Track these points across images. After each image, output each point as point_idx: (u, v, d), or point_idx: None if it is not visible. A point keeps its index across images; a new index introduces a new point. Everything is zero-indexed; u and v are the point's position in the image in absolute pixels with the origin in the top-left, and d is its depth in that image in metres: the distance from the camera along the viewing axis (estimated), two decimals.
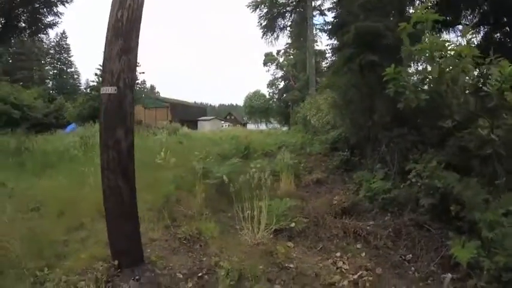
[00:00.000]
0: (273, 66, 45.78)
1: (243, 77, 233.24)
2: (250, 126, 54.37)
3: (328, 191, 6.79)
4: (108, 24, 3.31)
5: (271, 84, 48.42)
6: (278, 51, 43.92)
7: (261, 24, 22.44)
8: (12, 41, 18.39)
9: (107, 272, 3.33)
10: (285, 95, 40.09)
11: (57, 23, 15.46)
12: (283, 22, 22.69)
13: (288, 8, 21.55)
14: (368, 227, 4.51)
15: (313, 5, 20.29)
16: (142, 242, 4.04)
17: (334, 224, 4.69)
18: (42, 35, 20.16)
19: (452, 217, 3.79)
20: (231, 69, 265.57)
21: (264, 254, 4.08)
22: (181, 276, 3.57)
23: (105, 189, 3.38)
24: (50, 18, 15.34)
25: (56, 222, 4.78)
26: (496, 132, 3.67)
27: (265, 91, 52.69)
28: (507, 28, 8.25)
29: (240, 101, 67.03)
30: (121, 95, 3.24)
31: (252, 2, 22.20)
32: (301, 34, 26.06)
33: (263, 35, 22.75)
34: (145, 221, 4.83)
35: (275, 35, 22.73)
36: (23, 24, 15.28)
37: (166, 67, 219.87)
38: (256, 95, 55.48)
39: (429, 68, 3.81)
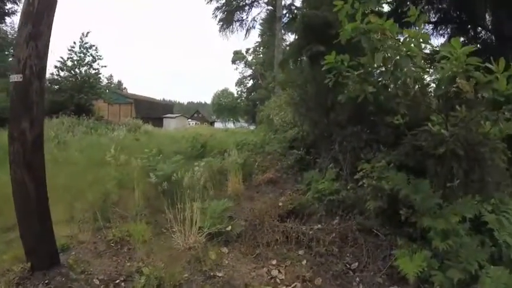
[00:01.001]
0: (242, 65, 45.59)
1: (213, 74, 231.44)
2: (218, 125, 53.81)
3: (278, 191, 6.38)
4: (22, 10, 3.20)
5: (239, 82, 48.30)
6: (247, 50, 43.80)
7: (216, 16, 21.51)
8: None
9: (21, 275, 3.17)
10: (253, 94, 39.83)
11: (16, 11, 14.46)
12: (241, 16, 21.88)
13: (247, 1, 20.81)
14: (311, 232, 4.08)
15: (283, 3, 19.81)
16: (70, 244, 4.07)
17: (275, 228, 4.25)
18: (1, 24, 19.01)
19: (402, 222, 3.44)
20: (201, 66, 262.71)
21: (193, 260, 3.77)
22: (97, 282, 3.31)
23: (12, 184, 3.23)
24: (8, 6, 14.38)
25: None
26: (452, 130, 3.31)
27: (234, 89, 52.45)
28: (471, 32, 8.14)
29: (209, 99, 66.34)
30: (26, 83, 3.08)
31: None
32: (271, 32, 25.60)
33: (220, 28, 21.83)
34: (78, 222, 4.67)
35: (231, 28, 21.90)
36: None
37: (135, 63, 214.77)
38: (225, 93, 55.13)
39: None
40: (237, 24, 21.69)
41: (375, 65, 3.03)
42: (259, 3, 21.41)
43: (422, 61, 3.21)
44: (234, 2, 20.13)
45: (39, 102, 3.17)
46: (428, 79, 3.68)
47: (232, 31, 22.12)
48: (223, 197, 6.14)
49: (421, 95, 3.55)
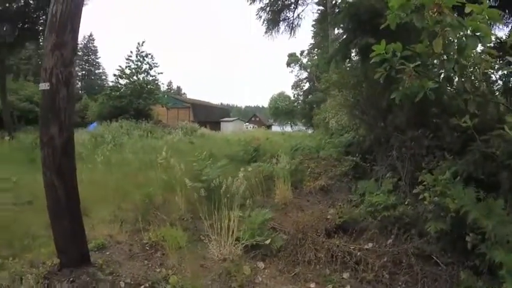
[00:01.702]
0: (297, 67, 45.15)
1: (270, 78, 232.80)
2: (275, 128, 53.77)
3: (329, 201, 5.90)
4: (47, 21, 3.31)
5: (295, 85, 47.93)
6: (302, 52, 43.27)
7: (260, 17, 19.87)
8: (41, 43, 18.93)
9: (50, 269, 3.24)
10: (309, 97, 39.11)
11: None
12: (287, 15, 20.25)
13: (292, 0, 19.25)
14: (360, 252, 3.55)
15: (333, 1, 18.56)
16: (107, 244, 4.13)
17: (320, 245, 3.78)
18: None
19: (468, 250, 2.81)
20: (258, 70, 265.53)
21: (224, 273, 3.51)
22: (123, 285, 3.24)
23: (44, 186, 3.33)
24: None
25: (41, 216, 4.60)
26: None
27: (290, 93, 52.17)
28: None
29: (266, 103, 66.65)
30: (53, 90, 3.17)
31: None
32: (324, 33, 24.59)
33: (266, 29, 20.25)
34: (118, 222, 4.74)
35: (277, 28, 20.33)
36: (40, 28, 15.75)
37: (195, 69, 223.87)
38: (281, 96, 55.05)
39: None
40: (284, 24, 20.35)
41: (435, 53, 2.43)
42: (304, 0, 19.85)
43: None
44: (280, 2, 18.82)
45: (67, 108, 3.22)
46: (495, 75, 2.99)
47: (278, 31, 20.74)
48: (269, 204, 5.86)
49: (489, 93, 2.88)
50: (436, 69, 2.90)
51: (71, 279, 3.16)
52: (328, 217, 4.54)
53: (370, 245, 3.78)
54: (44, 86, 3.16)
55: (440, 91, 2.88)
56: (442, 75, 2.80)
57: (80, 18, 3.35)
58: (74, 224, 3.36)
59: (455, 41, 2.35)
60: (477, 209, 2.64)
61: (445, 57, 2.49)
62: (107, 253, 3.89)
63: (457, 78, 2.75)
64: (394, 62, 2.71)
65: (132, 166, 8.28)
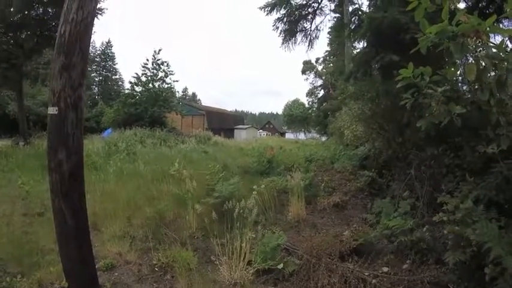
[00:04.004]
0: (312, 75, 45.08)
1: (286, 85, 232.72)
2: (289, 136, 53.54)
3: (344, 219, 5.73)
4: (55, 42, 3.16)
5: (310, 93, 47.81)
6: (317, 59, 43.24)
7: (277, 27, 18.94)
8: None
9: None
10: (324, 104, 38.85)
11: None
12: (304, 26, 19.83)
13: (309, 10, 18.81)
14: (375, 280, 3.37)
15: (350, 9, 18.25)
16: (116, 263, 4.03)
17: (333, 270, 3.62)
18: None
19: (486, 282, 2.63)
20: (275, 76, 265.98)
21: None
22: None
23: (53, 210, 3.23)
24: None
25: (51, 229, 4.73)
26: None
27: (305, 100, 52.03)
28: None
29: (280, 110, 66.70)
30: (61, 115, 3.04)
31: (267, 3, 18.42)
32: (340, 41, 24.24)
33: (283, 40, 19.86)
34: (128, 238, 4.64)
35: (294, 39, 19.94)
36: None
37: (211, 75, 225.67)
38: (296, 103, 54.96)
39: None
40: (301, 34, 19.98)
41: (467, 79, 2.24)
42: (322, 10, 19.50)
43: None
44: (297, 12, 18.38)
45: (75, 134, 3.10)
46: None
47: (295, 42, 20.33)
48: (282, 222, 5.71)
49: None
50: (467, 97, 2.73)
51: None
52: (343, 239, 4.37)
53: (385, 269, 3.64)
54: (52, 110, 3.03)
55: (468, 116, 2.69)
56: (473, 103, 2.62)
57: (90, 39, 3.25)
58: (81, 249, 3.26)
59: (492, 69, 2.14)
60: (501, 246, 2.45)
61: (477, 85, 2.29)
62: (116, 274, 3.82)
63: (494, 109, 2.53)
64: (422, 86, 2.54)
65: (144, 178, 8.18)
